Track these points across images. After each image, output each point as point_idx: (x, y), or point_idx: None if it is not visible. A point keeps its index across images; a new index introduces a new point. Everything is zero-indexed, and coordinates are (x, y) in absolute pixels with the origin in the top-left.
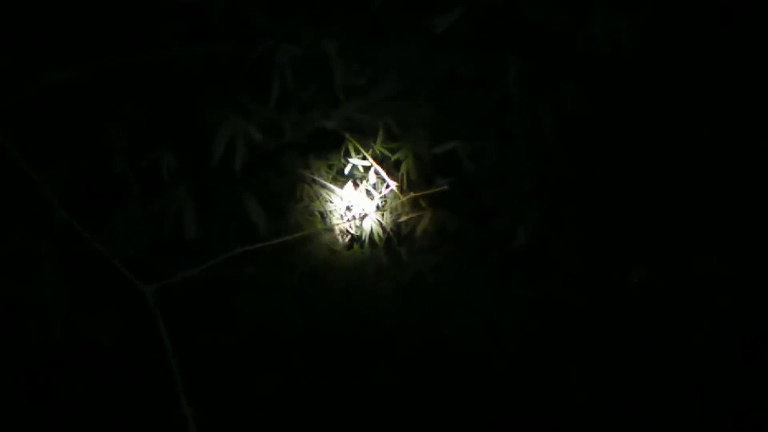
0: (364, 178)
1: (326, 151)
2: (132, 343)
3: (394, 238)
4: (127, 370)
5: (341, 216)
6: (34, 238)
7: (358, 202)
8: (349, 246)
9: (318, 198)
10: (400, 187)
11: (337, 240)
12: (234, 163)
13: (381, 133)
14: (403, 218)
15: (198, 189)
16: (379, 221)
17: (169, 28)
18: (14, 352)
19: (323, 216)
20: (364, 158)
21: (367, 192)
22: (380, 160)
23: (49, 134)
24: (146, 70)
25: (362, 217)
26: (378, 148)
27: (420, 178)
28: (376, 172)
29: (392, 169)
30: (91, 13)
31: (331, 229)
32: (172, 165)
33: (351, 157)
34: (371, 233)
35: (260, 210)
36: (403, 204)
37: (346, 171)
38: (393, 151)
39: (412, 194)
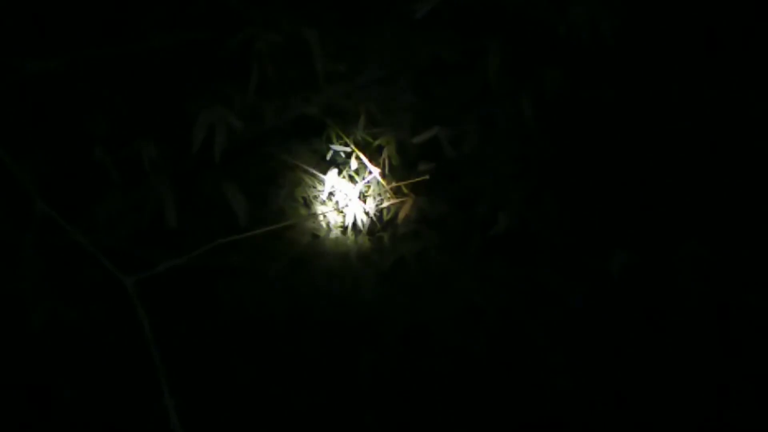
0: (346, 164)
1: (308, 137)
2: (113, 334)
3: (377, 224)
4: (108, 360)
5: (324, 202)
6: (14, 228)
7: (341, 188)
8: (332, 232)
9: (301, 184)
10: (382, 173)
11: (320, 226)
12: (214, 151)
13: (362, 119)
14: (386, 204)
15: (179, 178)
16: (362, 207)
17: (149, 17)
18: None
19: (306, 202)
20: (346, 144)
21: (350, 178)
22: (362, 146)
23: (28, 124)
24: (126, 59)
25: (345, 203)
26: (360, 134)
27: (402, 163)
28: (358, 158)
29: (374, 155)
30: (70, 2)
31: (314, 215)
32: (153, 154)
33: (333, 143)
34: (354, 219)
35: (242, 198)
36: (385, 190)
37: (328, 157)
38: (375, 137)
39: (394, 183)
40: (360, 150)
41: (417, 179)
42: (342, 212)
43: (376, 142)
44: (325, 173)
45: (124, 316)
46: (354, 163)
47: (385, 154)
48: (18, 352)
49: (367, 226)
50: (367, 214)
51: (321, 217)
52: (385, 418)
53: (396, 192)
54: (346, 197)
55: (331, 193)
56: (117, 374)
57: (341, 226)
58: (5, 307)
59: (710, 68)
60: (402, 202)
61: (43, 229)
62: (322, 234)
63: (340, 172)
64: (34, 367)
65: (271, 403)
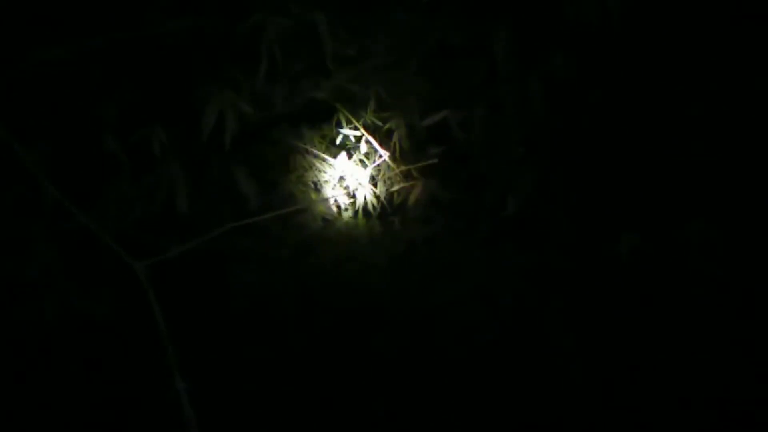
0: (356, 148)
1: (318, 121)
2: (126, 319)
3: (387, 208)
4: (120, 346)
5: (334, 186)
6: (25, 216)
7: (351, 172)
8: (342, 216)
9: (311, 168)
10: (392, 157)
11: (331, 210)
12: (224, 137)
13: (372, 102)
14: (396, 188)
15: (189, 163)
16: (372, 191)
17: (158, 3)
18: (7, 330)
19: (317, 186)
20: (356, 128)
21: (360, 162)
22: (372, 130)
23: (38, 112)
24: (135, 46)
25: (355, 187)
26: (369, 117)
27: (412, 147)
28: (368, 142)
29: (384, 139)
30: None
31: (324, 200)
32: (163, 140)
33: (342, 127)
34: (364, 203)
35: (252, 182)
36: (395, 174)
37: (338, 141)
38: (384, 121)
39: (403, 167)
40: (370, 134)
41: (426, 162)
42: (352, 196)
43: (386, 126)
44: (335, 158)
45: (135, 301)
46: (364, 147)
47: (395, 137)
48: (31, 339)
49: (377, 210)
50: (377, 198)
51: (331, 202)
52: (395, 404)
53: (406, 176)
54: (356, 181)
55: (341, 178)
56: (129, 359)
57: (352, 211)
58: (19, 293)
59: (721, 49)
60: (412, 186)
61: (56, 217)
62: (332, 218)
63: (350, 157)
64: (47, 353)
65: (280, 388)
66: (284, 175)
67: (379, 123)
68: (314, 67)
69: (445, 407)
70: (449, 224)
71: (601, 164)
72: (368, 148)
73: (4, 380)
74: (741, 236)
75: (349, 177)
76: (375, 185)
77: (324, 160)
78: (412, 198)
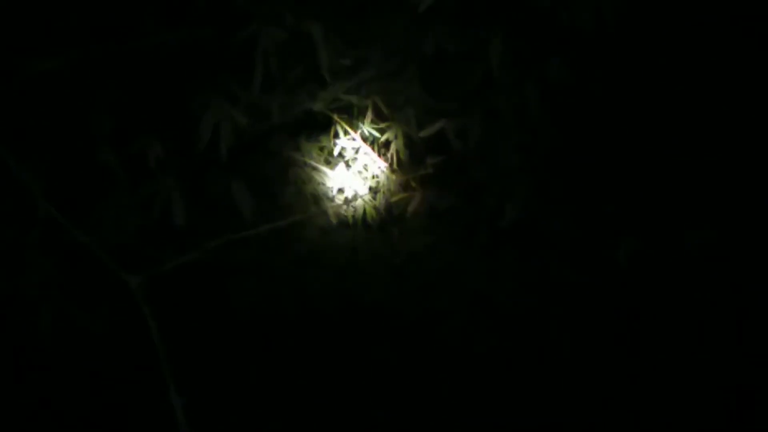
0: (354, 159)
1: (316, 133)
2: (122, 332)
3: (386, 218)
4: (117, 359)
5: (333, 198)
6: (21, 230)
7: (349, 184)
8: (342, 227)
9: (310, 180)
10: (390, 167)
11: (329, 222)
12: (220, 149)
13: (369, 113)
14: (395, 198)
15: (186, 175)
16: (371, 202)
17: (152, 14)
18: (4, 343)
19: (315, 198)
20: (353, 139)
21: (359, 173)
22: (370, 141)
23: (33, 124)
24: (130, 57)
25: (354, 199)
26: (367, 128)
27: (410, 157)
28: (366, 153)
29: (382, 149)
30: (74, 1)
31: (323, 212)
32: (159, 152)
33: (340, 138)
34: (363, 214)
35: (248, 195)
36: (394, 184)
37: (336, 153)
38: (382, 131)
39: (401, 177)
40: (368, 145)
41: (423, 172)
42: (351, 208)
43: (384, 137)
44: (333, 169)
45: (132, 314)
46: (362, 158)
47: (392, 148)
48: (27, 352)
49: (376, 221)
50: (376, 208)
51: (330, 213)
52: (396, 414)
53: (404, 186)
54: (355, 193)
55: (340, 189)
56: (125, 372)
57: (351, 222)
58: (14, 307)
59: (717, 54)
60: (411, 196)
61: (51, 230)
62: (331, 230)
63: (348, 168)
64: (43, 367)
65: (280, 397)
66: (283, 187)
67: (377, 134)
68: (310, 78)
69: (445, 414)
70: (448, 233)
71: (599, 170)
72: (366, 159)
73: (1, 392)
74: (741, 240)
75: (347, 188)
76: (374, 196)
77: (323, 172)
78: (410, 208)
